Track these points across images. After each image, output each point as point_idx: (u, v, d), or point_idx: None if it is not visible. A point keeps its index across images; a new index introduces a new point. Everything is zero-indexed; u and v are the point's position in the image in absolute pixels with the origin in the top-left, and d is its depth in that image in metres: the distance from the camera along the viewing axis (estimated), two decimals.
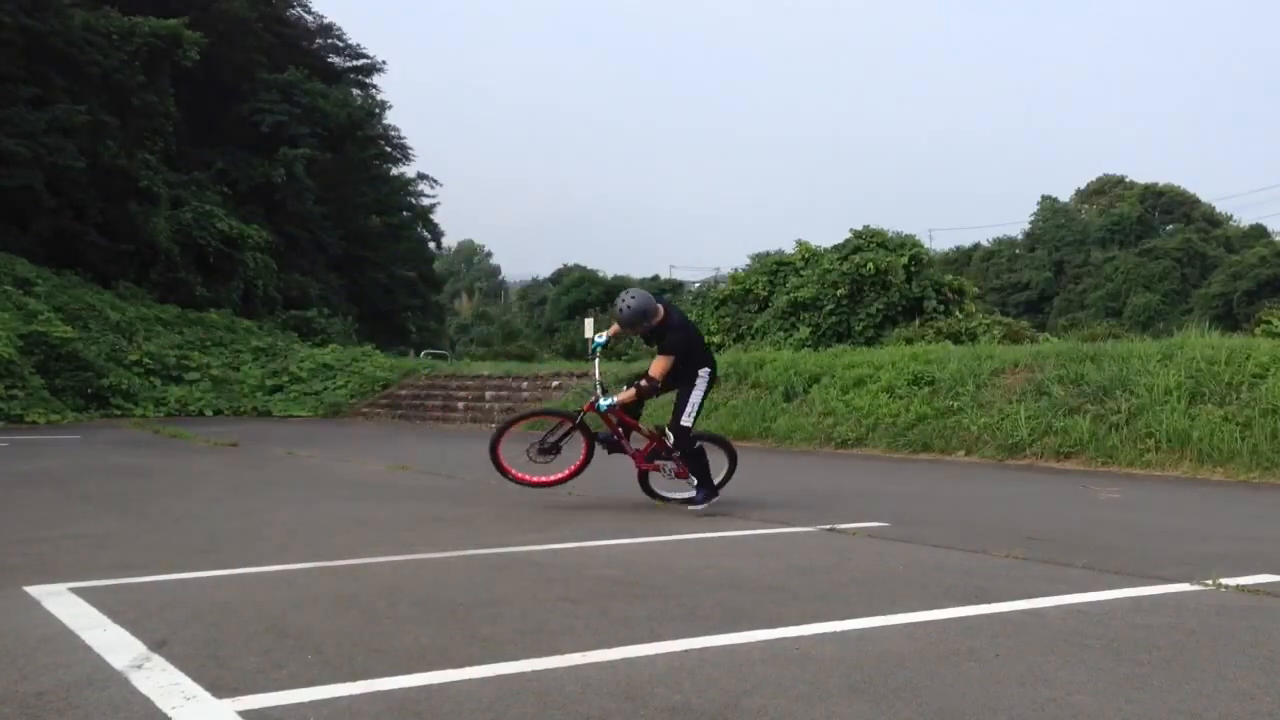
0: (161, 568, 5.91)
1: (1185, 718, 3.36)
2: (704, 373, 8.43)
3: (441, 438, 19.53)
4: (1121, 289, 67.81)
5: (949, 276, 27.77)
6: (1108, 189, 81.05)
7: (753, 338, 26.10)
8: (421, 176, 50.94)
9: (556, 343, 44.63)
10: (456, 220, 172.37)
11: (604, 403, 8.36)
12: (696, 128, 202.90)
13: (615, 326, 8.79)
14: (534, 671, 3.82)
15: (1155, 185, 77.15)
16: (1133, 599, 5.14)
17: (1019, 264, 77.59)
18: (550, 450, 8.57)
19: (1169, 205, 76.71)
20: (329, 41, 47.47)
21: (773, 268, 28.44)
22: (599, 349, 8.83)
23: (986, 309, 31.41)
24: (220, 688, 3.64)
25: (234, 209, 37.06)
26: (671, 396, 8.52)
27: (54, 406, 22.87)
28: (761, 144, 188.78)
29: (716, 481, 8.63)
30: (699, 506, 8.27)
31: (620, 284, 57.63)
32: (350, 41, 47.92)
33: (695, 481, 8.38)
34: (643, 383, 8.35)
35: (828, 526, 7.57)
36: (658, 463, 8.66)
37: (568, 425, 8.65)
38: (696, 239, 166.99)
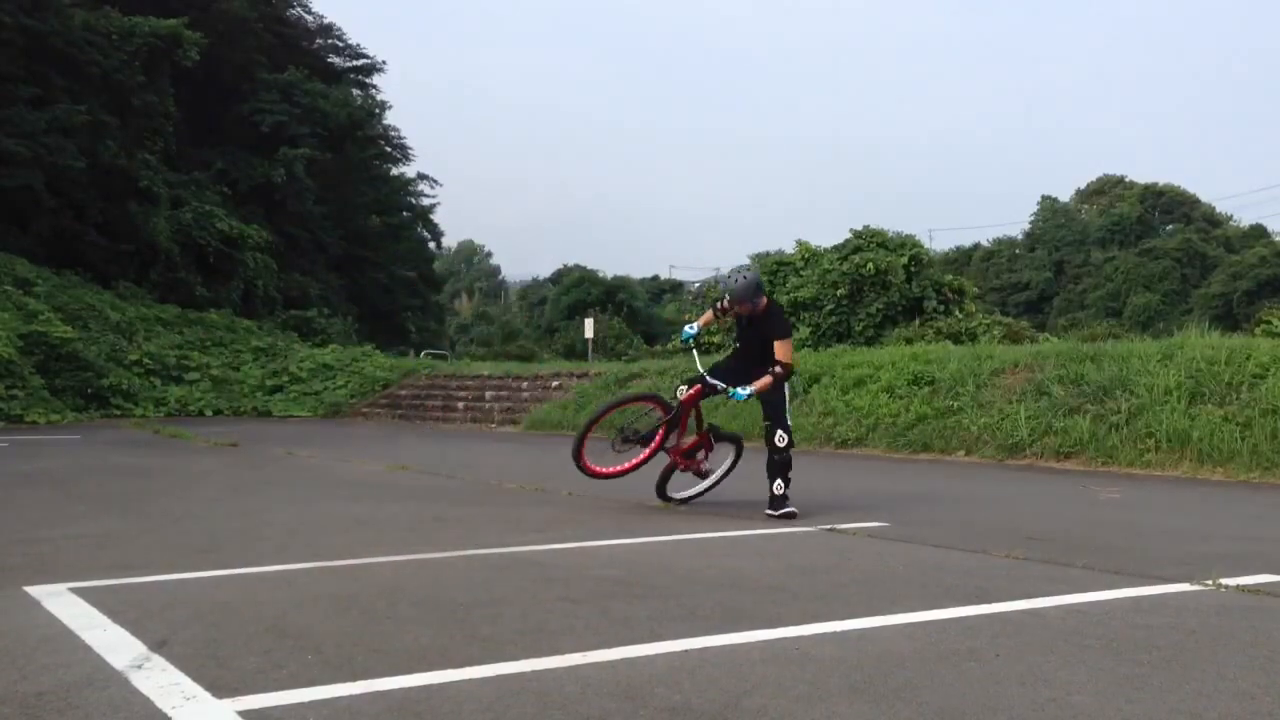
0: (161, 568, 5.91)
1: (1186, 718, 3.36)
2: None
3: (441, 438, 19.54)
4: (1121, 289, 67.82)
5: (949, 276, 27.81)
6: (1108, 189, 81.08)
7: None
8: (421, 176, 50.99)
9: (556, 343, 44.60)
10: (456, 220, 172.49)
11: (743, 392, 8.01)
12: (696, 128, 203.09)
13: (708, 314, 8.64)
14: (534, 671, 3.82)
15: (1155, 185, 77.17)
16: (1133, 599, 5.14)
17: (1019, 264, 77.61)
18: (639, 441, 8.47)
19: (1169, 205, 76.73)
20: (329, 41, 47.49)
21: (773, 268, 28.46)
22: (692, 339, 8.58)
23: (986, 309, 31.44)
24: (220, 688, 3.64)
25: (234, 209, 37.08)
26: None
27: (54, 406, 22.88)
28: (761, 144, 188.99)
29: (719, 476, 8.62)
30: (782, 510, 8.03)
31: (620, 284, 57.56)
32: (350, 41, 47.98)
33: (712, 479, 8.32)
34: (778, 369, 8.07)
35: (828, 526, 7.57)
36: (697, 459, 8.58)
37: (661, 413, 8.44)
38: (696, 239, 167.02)
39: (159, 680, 3.73)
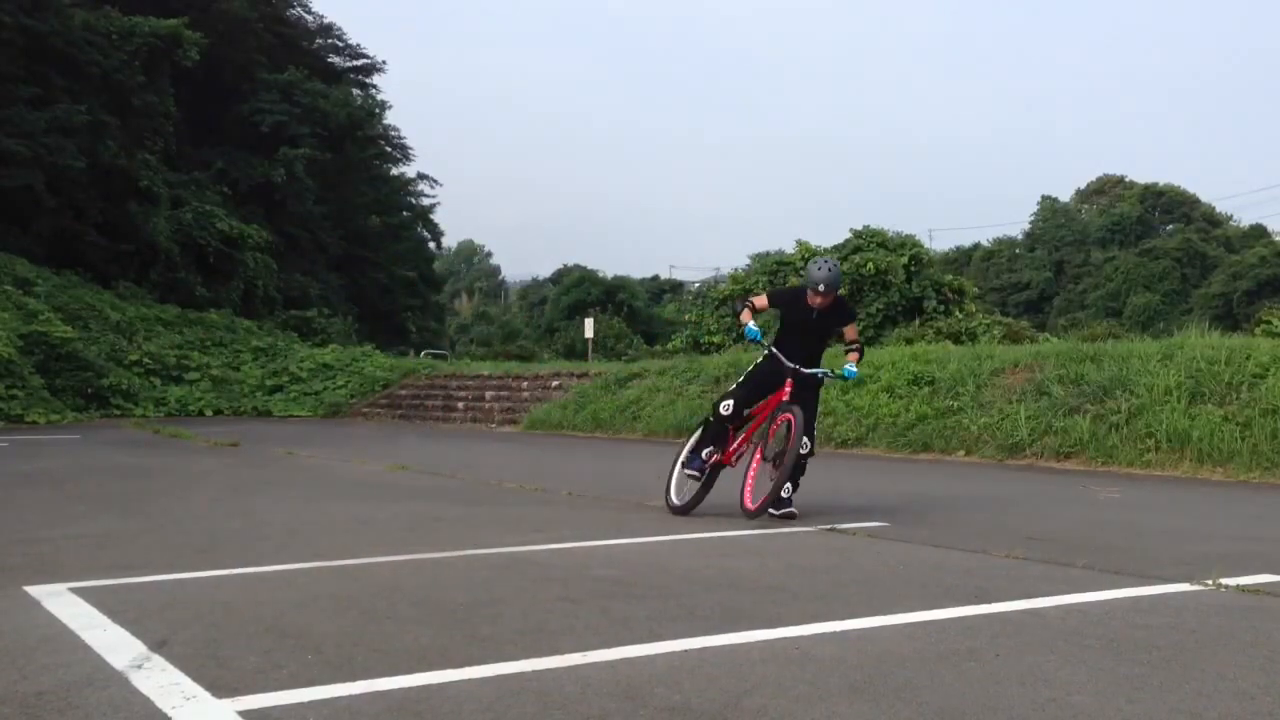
0: (162, 568, 5.91)
1: (1186, 717, 3.36)
2: None
3: (441, 438, 19.54)
4: (1121, 289, 67.80)
5: (949, 276, 27.83)
6: (1108, 189, 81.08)
7: None
8: (421, 176, 51.01)
9: (556, 343, 44.61)
10: (456, 220, 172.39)
11: (856, 370, 8.10)
12: (696, 127, 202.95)
13: (748, 309, 8.09)
14: (534, 671, 3.82)
15: (1155, 185, 77.15)
16: (1133, 599, 5.14)
17: (1019, 264, 77.61)
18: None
19: (1169, 205, 76.72)
20: (329, 41, 47.52)
21: (773, 268, 28.47)
22: (761, 337, 8.10)
23: (986, 309, 31.44)
24: (220, 688, 3.64)
25: (234, 209, 37.10)
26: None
27: (54, 406, 22.89)
28: (762, 144, 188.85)
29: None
30: (784, 510, 7.92)
31: (620, 284, 57.54)
32: (350, 41, 48.00)
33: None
34: (859, 348, 8.19)
35: (828, 526, 7.57)
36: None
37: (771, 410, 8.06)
38: (696, 239, 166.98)
39: (159, 680, 3.73)
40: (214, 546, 6.74)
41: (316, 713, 3.40)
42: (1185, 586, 5.41)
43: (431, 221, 51.70)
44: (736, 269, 31.69)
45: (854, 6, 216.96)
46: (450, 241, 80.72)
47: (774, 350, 8.08)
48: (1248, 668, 3.91)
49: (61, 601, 5.01)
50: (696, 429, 8.56)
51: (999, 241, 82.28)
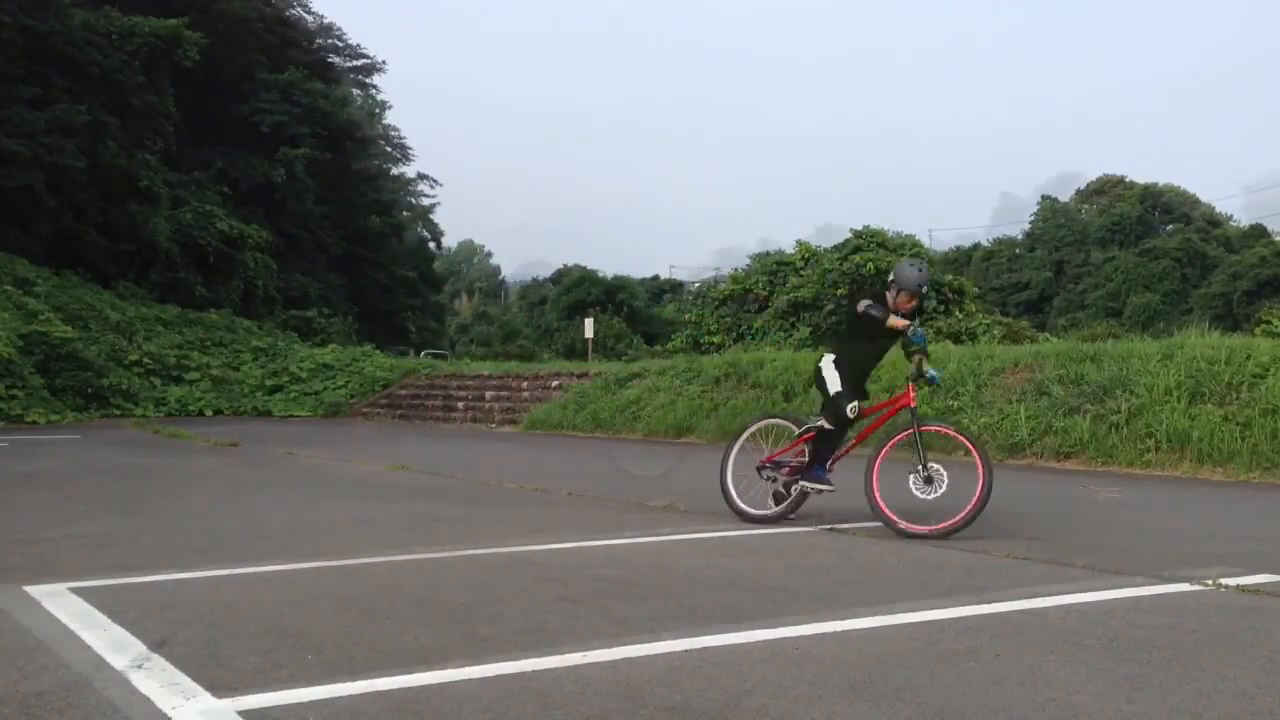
0: (162, 568, 5.91)
1: (1186, 717, 3.36)
2: None
3: (441, 438, 19.54)
4: (1121, 289, 67.78)
5: (949, 276, 27.81)
6: (1108, 189, 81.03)
7: (753, 338, 26.11)
8: (421, 176, 51.02)
9: (556, 343, 44.61)
10: (457, 220, 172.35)
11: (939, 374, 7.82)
12: (696, 127, 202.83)
13: (899, 292, 7.74)
14: (534, 671, 3.82)
15: (1155, 185, 77.15)
16: (1133, 599, 5.14)
17: (1019, 264, 77.58)
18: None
19: (1169, 205, 76.70)
20: (329, 41, 47.52)
21: (773, 268, 28.48)
22: (925, 341, 7.82)
23: (986, 309, 31.43)
24: (220, 687, 3.64)
25: (234, 209, 37.09)
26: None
27: (54, 406, 22.88)
28: (761, 144, 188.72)
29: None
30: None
31: (620, 284, 57.51)
32: (350, 41, 47.99)
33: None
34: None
35: (827, 526, 7.57)
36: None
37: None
38: (696, 239, 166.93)
39: (159, 680, 3.73)
40: (214, 546, 6.75)
41: (316, 712, 3.40)
42: (1185, 586, 5.41)
43: (431, 221, 51.76)
44: (736, 269, 31.66)
45: (854, 6, 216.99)
46: (450, 241, 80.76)
47: (923, 357, 7.77)
48: (1248, 668, 3.91)
49: (61, 601, 5.01)
50: (740, 435, 8.17)
51: (999, 241, 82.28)
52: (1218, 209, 77.09)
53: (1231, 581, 5.47)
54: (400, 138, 48.99)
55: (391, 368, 29.67)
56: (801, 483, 7.79)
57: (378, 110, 46.37)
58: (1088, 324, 42.07)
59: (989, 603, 4.99)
